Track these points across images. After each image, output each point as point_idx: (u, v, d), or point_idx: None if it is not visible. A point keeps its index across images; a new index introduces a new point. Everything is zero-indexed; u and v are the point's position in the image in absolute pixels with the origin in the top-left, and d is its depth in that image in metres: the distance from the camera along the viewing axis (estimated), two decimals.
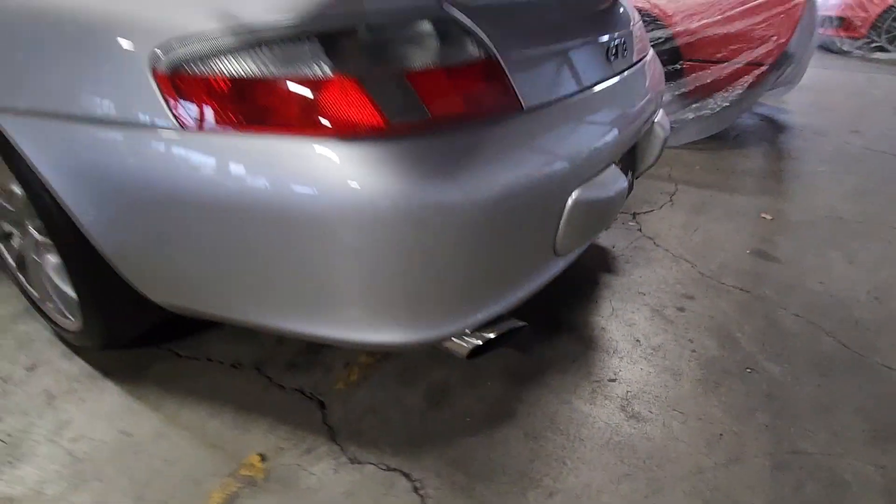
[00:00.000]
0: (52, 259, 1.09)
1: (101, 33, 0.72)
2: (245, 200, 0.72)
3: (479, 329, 0.88)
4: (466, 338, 0.88)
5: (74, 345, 1.21)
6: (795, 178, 2.38)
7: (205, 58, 0.68)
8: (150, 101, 0.71)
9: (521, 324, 0.93)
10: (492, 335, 0.88)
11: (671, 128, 1.75)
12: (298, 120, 0.68)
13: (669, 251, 1.71)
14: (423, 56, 0.72)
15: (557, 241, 0.92)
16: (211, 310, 0.92)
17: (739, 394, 1.15)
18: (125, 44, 0.70)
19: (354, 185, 0.68)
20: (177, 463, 0.96)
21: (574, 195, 0.88)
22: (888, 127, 3.14)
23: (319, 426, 1.05)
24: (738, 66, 2.41)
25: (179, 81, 0.69)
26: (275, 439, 1.01)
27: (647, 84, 1.23)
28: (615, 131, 1.01)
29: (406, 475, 0.95)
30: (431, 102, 0.70)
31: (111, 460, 0.97)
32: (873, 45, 5.45)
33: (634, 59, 1.22)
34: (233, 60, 0.68)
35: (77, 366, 1.18)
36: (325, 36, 0.68)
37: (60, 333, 1.21)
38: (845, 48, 5.59)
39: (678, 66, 2.53)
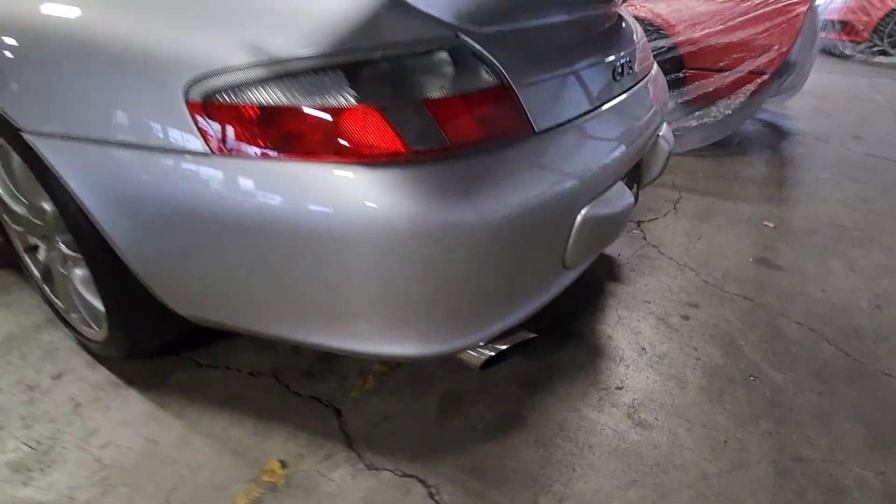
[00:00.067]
0: (79, 272, 1.13)
1: (139, 64, 0.76)
2: (271, 220, 0.76)
3: (492, 341, 0.92)
4: (480, 349, 0.92)
5: (98, 354, 1.25)
6: (797, 185, 2.41)
7: (236, 88, 0.72)
8: (184, 127, 0.75)
9: (532, 335, 0.96)
10: (504, 347, 0.92)
11: (675, 135, 1.79)
12: (323, 146, 0.72)
13: (674, 259, 1.75)
14: (440, 84, 0.76)
15: (567, 256, 0.96)
16: (235, 322, 0.96)
17: (743, 401, 1.18)
18: (161, 75, 0.74)
19: (376, 207, 0.71)
20: (201, 469, 1.00)
21: (583, 212, 0.92)
22: (890, 133, 3.17)
23: (336, 433, 1.08)
24: (740, 74, 2.44)
25: (212, 109, 0.73)
26: (294, 446, 1.05)
27: (652, 100, 1.27)
28: (622, 148, 1.04)
29: (421, 481, 0.99)
30: (449, 129, 0.74)
31: (138, 466, 1.01)
32: (875, 49, 5.48)
33: (640, 76, 1.26)
34: (262, 90, 0.72)
35: (101, 374, 1.22)
36: (348, 67, 0.72)
37: (84, 343, 1.25)
38: (847, 52, 5.62)
39: (681, 75, 2.57)
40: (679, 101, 2.56)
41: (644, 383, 1.23)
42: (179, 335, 1.22)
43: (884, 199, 2.26)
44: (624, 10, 1.41)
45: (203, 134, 0.74)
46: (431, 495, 0.96)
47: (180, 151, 0.76)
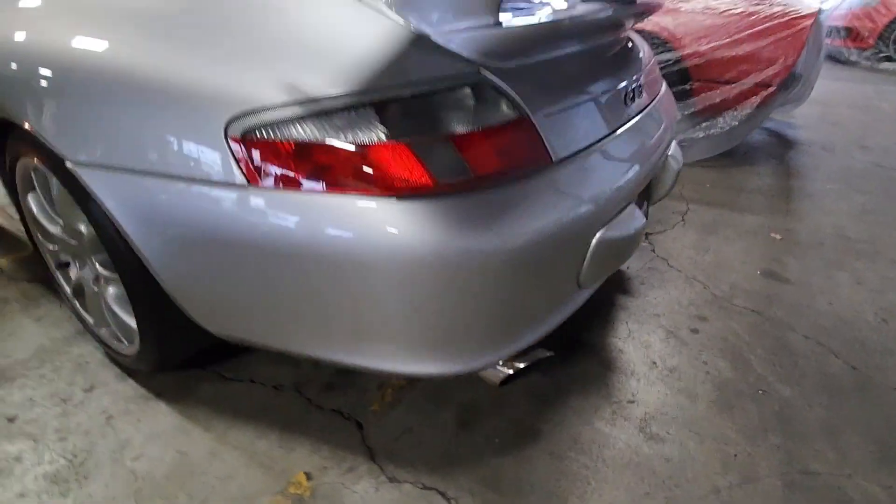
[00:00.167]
0: (112, 290, 1.18)
1: (182, 101, 0.80)
2: (303, 247, 0.81)
3: (510, 359, 0.96)
4: (499, 367, 0.96)
5: (127, 367, 1.30)
6: (804, 196, 2.44)
7: (273, 125, 0.76)
8: (224, 161, 0.80)
9: (548, 353, 1.00)
10: (522, 365, 0.96)
11: (681, 146, 1.82)
12: (355, 179, 0.76)
13: (682, 272, 1.78)
14: (465, 119, 0.80)
15: (581, 276, 1.00)
16: (263, 340, 1.01)
17: (752, 415, 1.22)
18: (204, 112, 0.79)
19: (403, 236, 0.76)
20: (230, 481, 1.05)
21: (598, 236, 0.96)
22: (895, 142, 3.19)
23: (358, 446, 1.12)
24: (746, 87, 2.48)
25: (250, 144, 0.78)
26: (318, 459, 1.09)
27: (661, 120, 1.31)
28: (635, 170, 1.08)
29: (442, 493, 1.03)
30: (473, 162, 0.79)
31: (170, 478, 1.05)
32: (881, 55, 5.49)
33: (650, 98, 1.30)
34: (297, 127, 0.76)
35: (131, 387, 1.27)
36: (378, 104, 0.76)
37: (114, 357, 1.30)
38: (853, 58, 5.64)
39: (687, 87, 2.61)
40: (685, 112, 2.59)
41: (655, 397, 1.26)
42: (205, 349, 1.27)
43: (890, 210, 2.28)
44: (632, 31, 1.45)
45: (242, 167, 0.79)
46: None
47: (220, 183, 0.81)
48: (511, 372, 0.96)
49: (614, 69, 1.18)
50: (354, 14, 0.81)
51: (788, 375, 1.34)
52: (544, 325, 0.98)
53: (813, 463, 1.10)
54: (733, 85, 2.50)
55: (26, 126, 0.99)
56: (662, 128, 1.29)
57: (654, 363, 1.37)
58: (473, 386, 1.27)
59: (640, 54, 1.36)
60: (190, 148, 0.81)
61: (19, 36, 1.01)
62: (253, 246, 0.84)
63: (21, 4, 1.07)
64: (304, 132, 0.76)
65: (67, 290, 1.35)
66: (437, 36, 0.79)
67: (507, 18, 0.86)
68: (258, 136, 0.77)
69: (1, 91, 1.05)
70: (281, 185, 0.79)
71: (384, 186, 0.76)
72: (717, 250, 1.93)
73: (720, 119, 2.57)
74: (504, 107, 0.84)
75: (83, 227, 1.10)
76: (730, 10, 2.49)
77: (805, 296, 1.66)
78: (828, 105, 3.99)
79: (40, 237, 1.31)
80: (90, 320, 1.31)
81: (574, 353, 1.39)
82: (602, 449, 1.12)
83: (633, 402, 1.25)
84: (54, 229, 1.23)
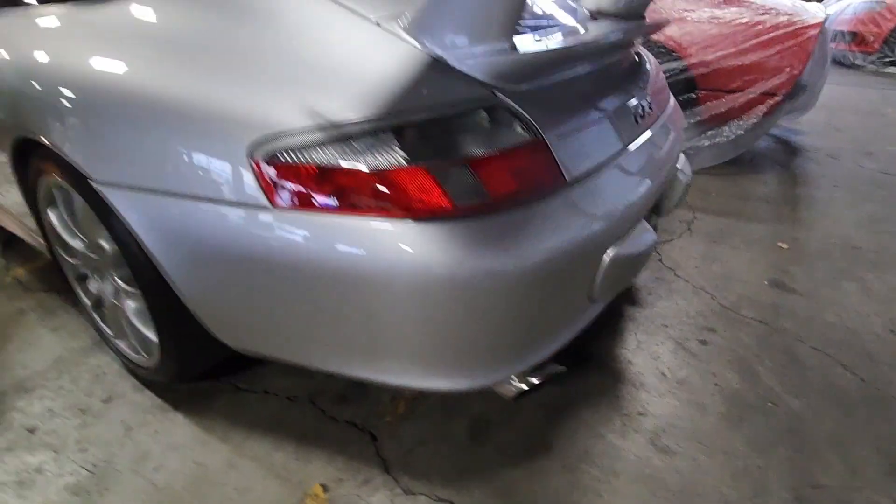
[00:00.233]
0: (132, 304, 1.20)
1: (207, 125, 0.83)
2: (322, 267, 0.83)
3: (524, 374, 0.98)
4: (513, 382, 0.98)
5: (144, 378, 1.32)
6: (810, 204, 2.45)
7: (296, 149, 0.79)
8: (247, 183, 0.82)
9: (561, 368, 1.02)
10: (536, 380, 0.98)
11: (688, 154, 1.83)
12: (374, 202, 0.78)
13: (690, 282, 1.80)
14: (482, 143, 0.82)
15: (594, 292, 1.01)
16: (281, 355, 1.03)
17: (762, 428, 1.23)
18: (228, 135, 0.81)
19: (421, 257, 0.78)
20: (248, 492, 1.06)
21: (610, 253, 0.98)
22: None
23: (373, 458, 1.14)
24: (752, 96, 2.49)
25: (274, 168, 0.80)
26: (334, 470, 1.11)
27: (670, 135, 1.32)
28: (646, 185, 1.10)
29: None
30: (490, 185, 0.81)
31: (189, 489, 1.07)
32: (886, 59, 5.49)
33: (658, 113, 1.32)
34: (320, 151, 0.78)
35: (148, 398, 1.29)
36: (398, 129, 0.79)
37: (132, 368, 1.32)
38: (858, 62, 5.64)
39: (693, 96, 2.62)
40: (691, 120, 2.61)
41: (665, 409, 1.27)
42: (221, 362, 1.29)
43: None
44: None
45: (265, 189, 0.81)
46: None
47: (243, 204, 0.83)
48: (525, 387, 0.98)
49: (623, 85, 1.19)
50: (373, 38, 0.83)
51: (797, 388, 1.35)
52: (557, 340, 1.00)
53: (823, 476, 1.11)
54: (739, 94, 2.52)
55: (52, 144, 1.02)
56: (672, 141, 1.30)
57: (664, 375, 1.39)
58: (485, 397, 1.29)
59: (647, 68, 1.38)
60: (214, 170, 0.84)
61: (46, 57, 1.04)
62: (274, 265, 0.86)
63: (47, 26, 1.10)
64: (325, 156, 0.78)
65: (86, 301, 1.38)
66: (453, 59, 0.81)
67: (521, 44, 0.88)
68: (280, 159, 0.79)
69: (26, 110, 1.08)
70: (302, 206, 0.81)
71: (403, 209, 0.78)
72: (724, 260, 1.94)
73: (726, 128, 2.58)
74: (519, 129, 0.86)
75: (105, 243, 1.13)
76: (736, 19, 2.50)
77: (813, 306, 1.67)
78: (833, 110, 4.00)
79: (60, 251, 1.34)
80: (109, 332, 1.34)
81: (584, 364, 1.41)
82: (613, 461, 1.14)
83: (643, 414, 1.26)
84: (75, 244, 1.26)
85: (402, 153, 0.78)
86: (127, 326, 1.23)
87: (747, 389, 1.34)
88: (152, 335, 1.16)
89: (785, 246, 2.05)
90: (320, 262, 0.82)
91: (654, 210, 1.38)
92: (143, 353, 1.24)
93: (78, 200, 1.11)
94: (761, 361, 1.44)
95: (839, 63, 5.69)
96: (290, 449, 1.16)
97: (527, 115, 0.87)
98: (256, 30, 0.87)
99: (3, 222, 1.68)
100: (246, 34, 0.87)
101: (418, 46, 0.81)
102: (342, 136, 0.78)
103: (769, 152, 3.13)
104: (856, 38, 5.64)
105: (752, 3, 2.56)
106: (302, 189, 0.80)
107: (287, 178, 0.80)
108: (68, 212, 1.21)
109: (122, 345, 1.31)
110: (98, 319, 1.36)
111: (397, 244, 0.78)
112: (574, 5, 1.37)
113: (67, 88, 0.98)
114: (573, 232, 0.89)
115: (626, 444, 1.18)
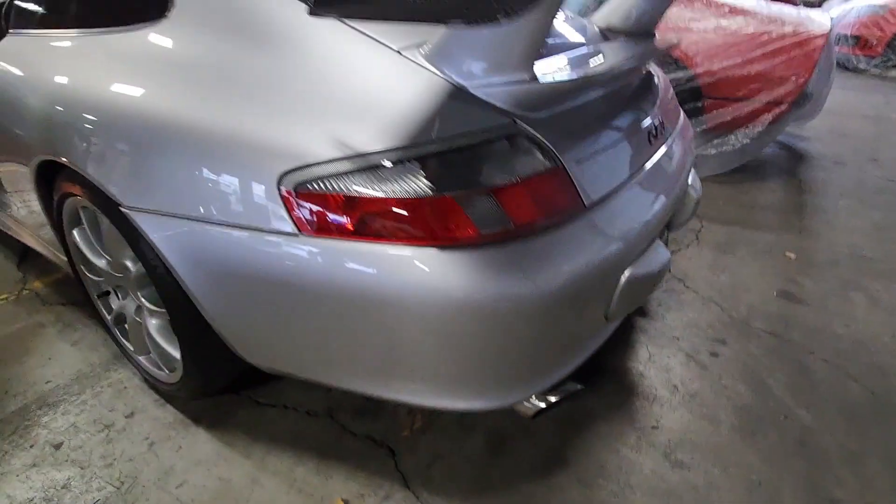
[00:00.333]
0: (154, 321, 1.23)
1: (237, 155, 0.85)
2: (349, 293, 0.85)
3: (542, 393, 1.00)
4: (532, 401, 1.00)
5: (165, 393, 1.35)
6: (817, 212, 2.46)
7: (324, 178, 0.81)
8: (276, 211, 0.84)
9: (578, 387, 1.04)
10: (554, 399, 1.00)
11: (694, 162, 1.85)
12: (400, 230, 0.81)
13: (699, 293, 1.81)
14: (504, 171, 0.84)
15: (610, 311, 1.03)
16: (303, 373, 1.05)
17: (774, 441, 1.25)
18: (258, 166, 0.84)
19: (445, 285, 0.80)
20: None
21: (626, 273, 1.00)
22: None
23: (392, 473, 1.16)
24: (758, 104, 2.51)
25: (301, 196, 0.82)
26: (355, 486, 1.13)
27: (682, 151, 1.34)
28: (660, 203, 1.12)
29: None
30: (512, 212, 0.83)
31: None
32: (890, 63, 5.50)
33: (670, 131, 1.34)
34: (347, 181, 0.81)
35: (170, 413, 1.31)
36: (423, 159, 0.81)
37: (153, 383, 1.35)
38: (861, 66, 5.65)
39: (700, 104, 2.64)
40: (698, 129, 2.63)
41: (678, 423, 1.29)
42: (240, 377, 1.31)
43: None
44: None
45: (293, 217, 0.83)
46: None
47: (271, 231, 0.85)
48: (543, 406, 1.00)
49: (636, 105, 1.22)
50: (396, 68, 0.86)
51: (808, 401, 1.36)
52: (575, 360, 1.02)
53: (836, 490, 1.13)
54: (745, 103, 2.53)
55: (81, 170, 1.04)
56: (683, 157, 1.32)
57: (676, 388, 1.40)
58: (501, 412, 1.30)
59: (657, 83, 1.40)
60: (243, 198, 0.86)
61: (78, 83, 1.06)
62: (300, 289, 0.88)
63: (78, 52, 1.13)
64: (352, 186, 0.81)
65: (108, 317, 1.40)
66: (474, 88, 0.83)
67: (542, 73, 0.90)
68: (310, 188, 0.82)
69: (54, 135, 1.10)
70: (329, 233, 0.83)
71: (429, 237, 0.80)
72: (732, 270, 1.96)
73: (732, 136, 2.60)
74: (539, 156, 0.88)
75: (131, 263, 1.15)
76: (742, 29, 2.52)
77: (822, 318, 1.69)
78: (838, 115, 4.01)
79: (83, 268, 1.36)
80: (130, 348, 1.36)
81: (596, 377, 1.43)
82: (629, 476, 1.16)
83: (656, 427, 1.28)
84: (100, 263, 1.28)
85: (427, 182, 0.80)
86: (149, 343, 1.26)
87: (759, 402, 1.36)
88: (175, 352, 1.18)
89: (793, 256, 2.07)
90: (346, 287, 0.84)
91: (667, 225, 1.40)
92: (165, 369, 1.26)
93: (105, 222, 1.13)
94: (772, 374, 1.45)
95: (842, 66, 5.70)
96: (310, 464, 1.18)
97: (546, 143, 0.89)
98: (283, 60, 0.89)
99: (20, 235, 1.71)
100: (272, 64, 0.89)
101: (439, 75, 0.83)
102: (369, 166, 0.80)
103: (775, 159, 3.15)
104: (859, 41, 5.65)
105: (758, 13, 2.58)
106: (328, 217, 0.82)
107: (314, 207, 0.82)
108: (94, 232, 1.24)
109: (143, 360, 1.33)
110: (119, 335, 1.39)
111: (423, 270, 0.80)
112: (585, 24, 1.40)
113: (100, 116, 1.00)
114: (592, 255, 0.92)
115: (641, 458, 1.20)
